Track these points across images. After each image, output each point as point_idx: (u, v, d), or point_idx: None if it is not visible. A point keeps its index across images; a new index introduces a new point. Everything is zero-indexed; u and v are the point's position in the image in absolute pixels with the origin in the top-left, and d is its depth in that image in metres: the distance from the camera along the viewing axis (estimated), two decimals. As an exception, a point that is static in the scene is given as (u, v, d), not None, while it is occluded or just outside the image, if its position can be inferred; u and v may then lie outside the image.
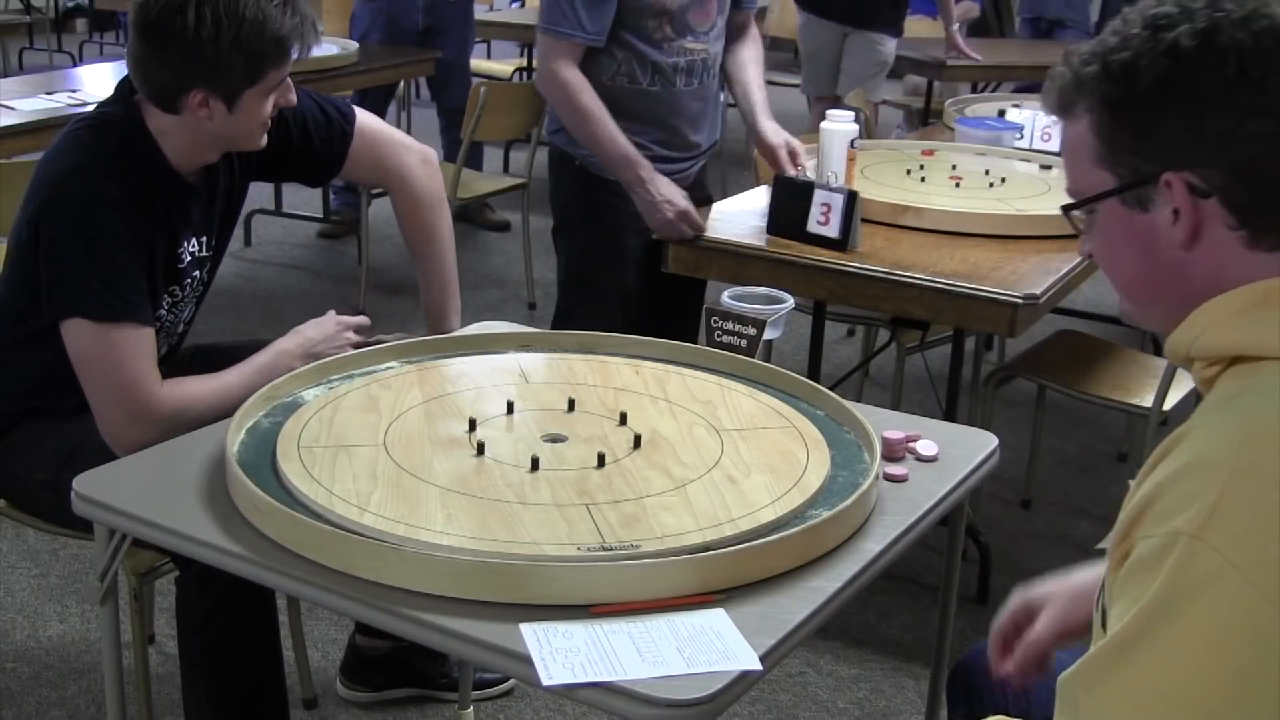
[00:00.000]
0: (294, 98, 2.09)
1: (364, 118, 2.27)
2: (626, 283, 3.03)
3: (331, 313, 2.19)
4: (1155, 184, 1.18)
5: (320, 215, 5.61)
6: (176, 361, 2.29)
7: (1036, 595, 1.55)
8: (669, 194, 2.82)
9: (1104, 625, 1.20)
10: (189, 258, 2.14)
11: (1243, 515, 1.07)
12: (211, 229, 2.18)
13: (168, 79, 1.97)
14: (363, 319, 2.24)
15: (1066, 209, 1.29)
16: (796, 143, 2.99)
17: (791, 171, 2.88)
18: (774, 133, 2.99)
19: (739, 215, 2.92)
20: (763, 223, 2.74)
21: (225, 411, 1.95)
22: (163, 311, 2.12)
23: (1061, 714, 1.16)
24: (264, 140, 2.08)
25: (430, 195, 2.32)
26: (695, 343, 2.06)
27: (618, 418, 1.78)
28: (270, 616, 2.02)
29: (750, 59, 3.12)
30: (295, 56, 2.02)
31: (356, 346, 2.12)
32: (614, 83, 2.89)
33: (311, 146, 2.22)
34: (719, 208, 3.03)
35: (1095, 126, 1.21)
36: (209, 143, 2.06)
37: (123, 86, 2.07)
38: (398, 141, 2.30)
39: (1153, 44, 1.16)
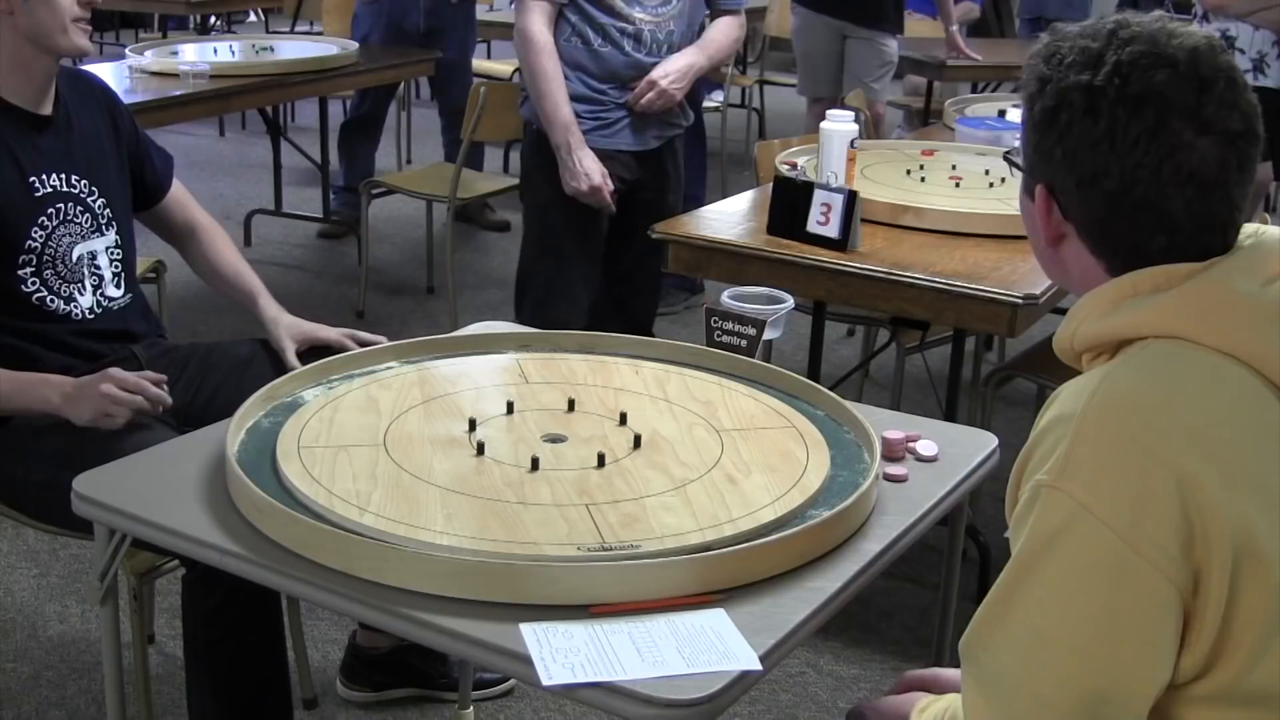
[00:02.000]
0: None
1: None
2: (584, 239, 3.28)
3: (114, 371, 2.06)
4: (1035, 184, 1.30)
5: (320, 215, 5.61)
6: (174, 360, 2.29)
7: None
8: (590, 167, 3.14)
9: None
10: (48, 189, 2.18)
11: (1090, 460, 1.16)
12: (78, 166, 2.23)
13: None
14: (135, 380, 2.04)
15: (1007, 156, 1.42)
16: (664, 82, 3.18)
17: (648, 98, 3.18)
18: (659, 68, 3.21)
19: (739, 215, 2.92)
20: (763, 223, 2.74)
21: None
22: (34, 244, 2.16)
23: (967, 675, 1.23)
24: (85, 42, 2.20)
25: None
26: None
27: (618, 418, 1.78)
28: (275, 615, 2.02)
29: (715, 29, 3.36)
30: None
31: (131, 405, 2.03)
32: (569, 43, 3.17)
33: (154, 164, 2.41)
34: (718, 208, 3.04)
35: (1022, 114, 1.32)
36: (26, 50, 2.14)
37: None
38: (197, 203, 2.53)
39: (1062, 75, 1.25)
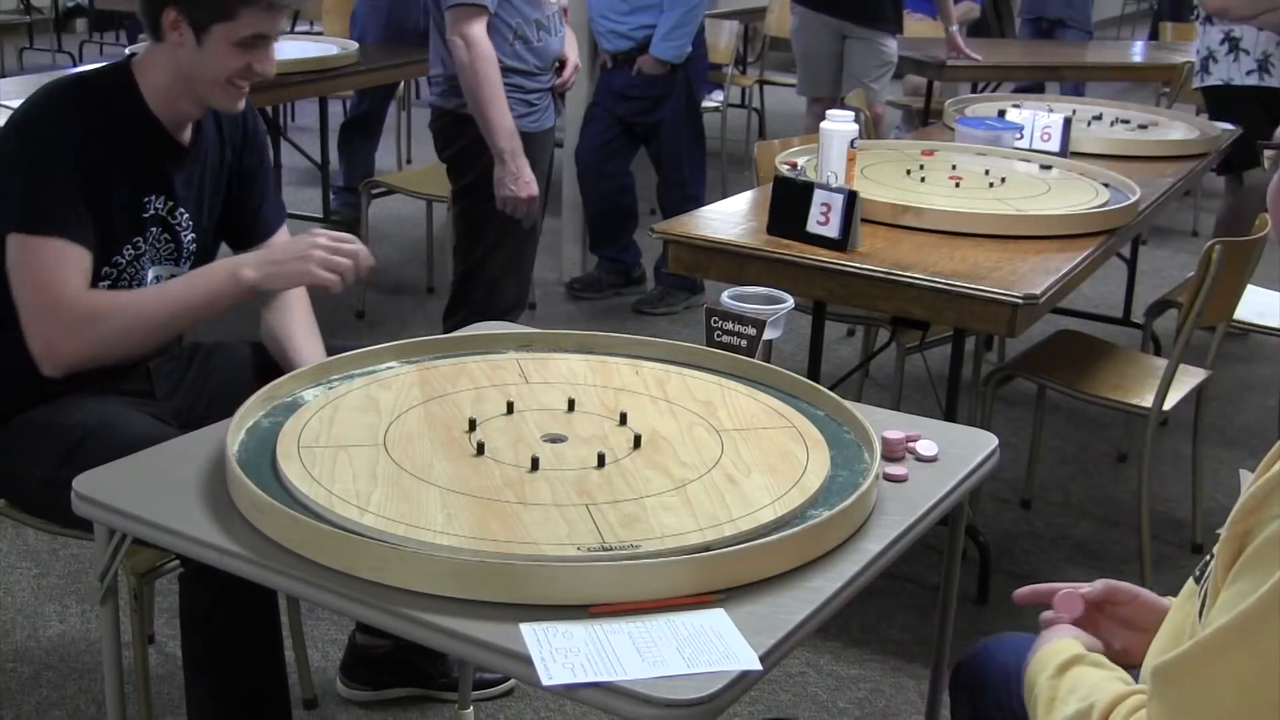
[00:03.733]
0: (270, 70, 2.15)
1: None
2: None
3: (319, 231, 2.09)
4: None
5: (320, 215, 5.62)
6: (174, 357, 2.29)
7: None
8: (531, 176, 3.29)
9: (1201, 614, 1.20)
10: (151, 212, 2.17)
11: None
12: (188, 201, 2.21)
13: None
14: (343, 235, 2.08)
15: (1262, 145, 1.29)
16: (578, 61, 3.55)
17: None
18: (571, 50, 3.52)
19: (739, 215, 2.92)
20: (763, 223, 2.74)
21: (155, 312, 2.05)
22: (121, 260, 2.14)
23: (1159, 700, 1.15)
24: (234, 105, 2.15)
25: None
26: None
27: (618, 418, 1.78)
28: (272, 613, 2.02)
29: None
30: (279, 17, 2.11)
31: (330, 269, 2.01)
32: (514, 46, 3.32)
33: (266, 199, 2.36)
34: (718, 208, 3.04)
35: None
36: (182, 83, 2.12)
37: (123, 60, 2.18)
38: None
39: None
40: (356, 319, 4.72)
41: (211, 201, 2.27)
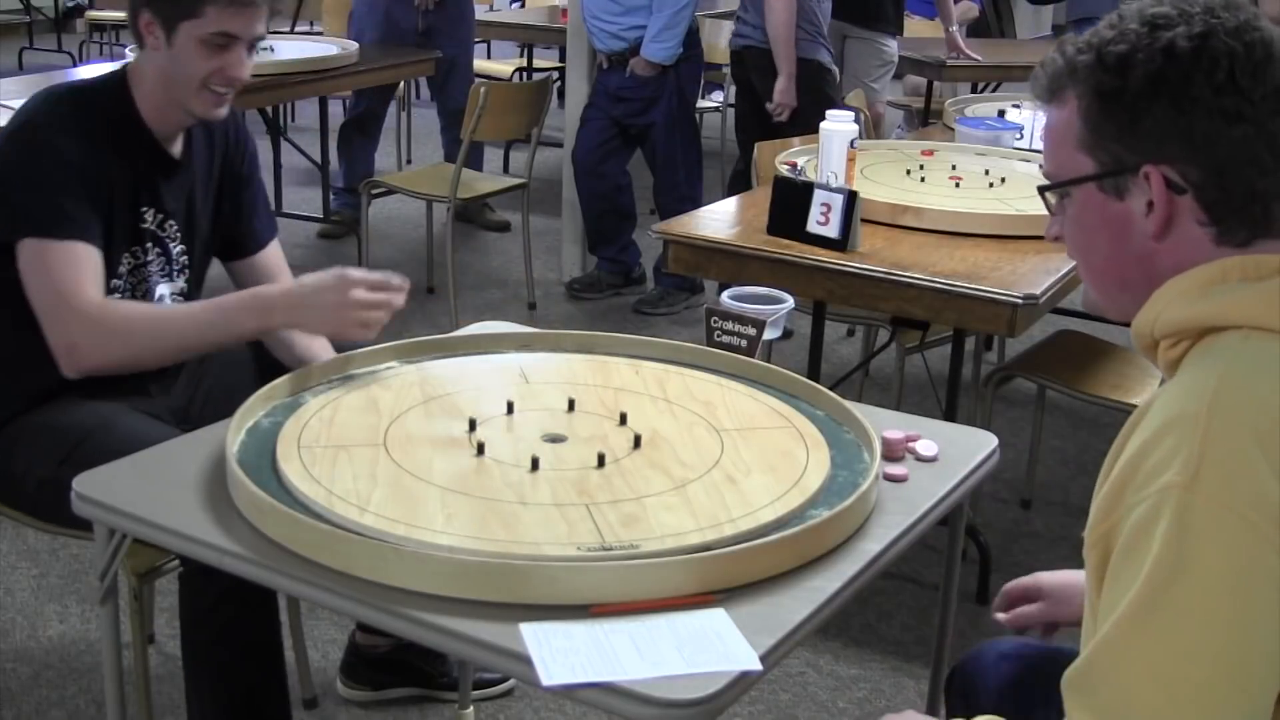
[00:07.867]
0: (243, 74, 2.12)
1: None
2: None
3: (352, 272, 1.98)
4: (1134, 174, 1.23)
5: (320, 215, 5.61)
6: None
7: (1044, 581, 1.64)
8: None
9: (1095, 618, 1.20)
10: (145, 224, 2.16)
11: (1229, 459, 1.09)
12: (177, 213, 2.20)
13: None
14: (380, 277, 1.99)
15: (1043, 189, 1.33)
16: None
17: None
18: None
19: (739, 215, 2.92)
20: (762, 223, 2.74)
21: (171, 332, 2.01)
22: (122, 269, 2.14)
23: (1078, 711, 1.14)
24: (216, 112, 2.13)
25: None
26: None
27: (618, 418, 1.78)
28: (272, 613, 2.02)
29: None
30: (247, 18, 2.07)
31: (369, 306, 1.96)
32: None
33: (255, 212, 2.32)
34: (718, 208, 3.03)
35: (1083, 113, 1.25)
36: (161, 92, 2.11)
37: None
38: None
39: (1150, 40, 1.20)
40: (356, 319, 4.71)
41: (201, 215, 2.26)
